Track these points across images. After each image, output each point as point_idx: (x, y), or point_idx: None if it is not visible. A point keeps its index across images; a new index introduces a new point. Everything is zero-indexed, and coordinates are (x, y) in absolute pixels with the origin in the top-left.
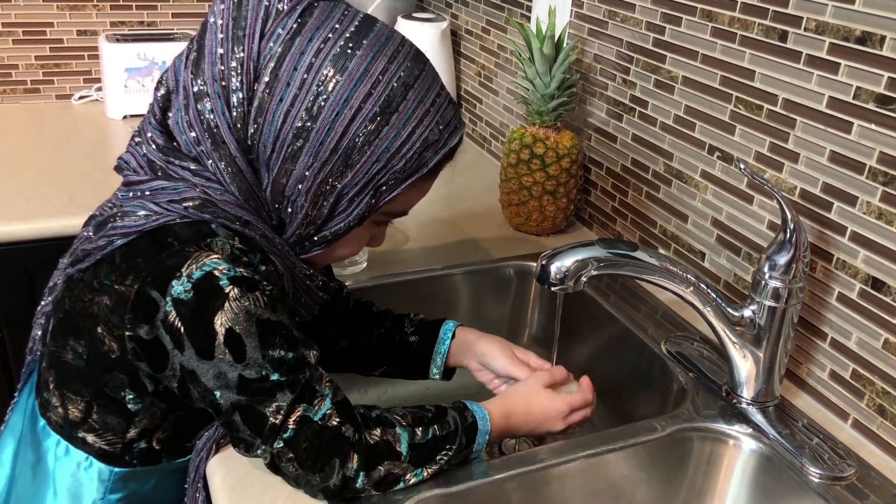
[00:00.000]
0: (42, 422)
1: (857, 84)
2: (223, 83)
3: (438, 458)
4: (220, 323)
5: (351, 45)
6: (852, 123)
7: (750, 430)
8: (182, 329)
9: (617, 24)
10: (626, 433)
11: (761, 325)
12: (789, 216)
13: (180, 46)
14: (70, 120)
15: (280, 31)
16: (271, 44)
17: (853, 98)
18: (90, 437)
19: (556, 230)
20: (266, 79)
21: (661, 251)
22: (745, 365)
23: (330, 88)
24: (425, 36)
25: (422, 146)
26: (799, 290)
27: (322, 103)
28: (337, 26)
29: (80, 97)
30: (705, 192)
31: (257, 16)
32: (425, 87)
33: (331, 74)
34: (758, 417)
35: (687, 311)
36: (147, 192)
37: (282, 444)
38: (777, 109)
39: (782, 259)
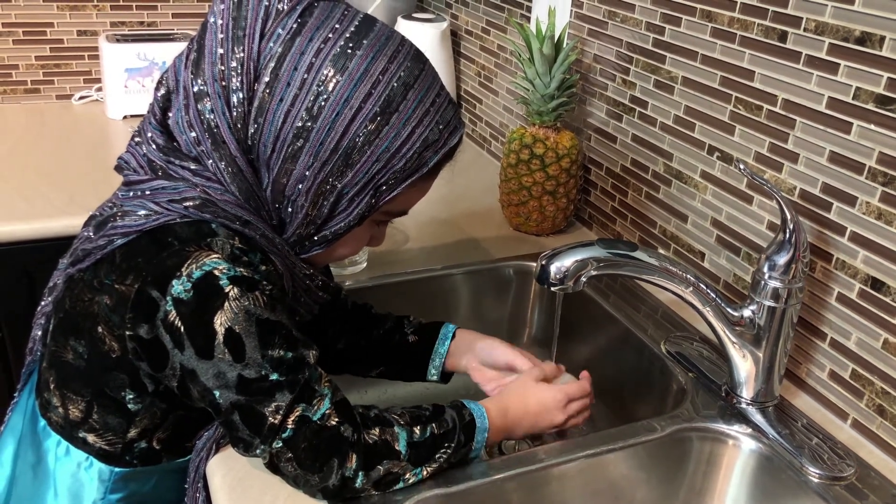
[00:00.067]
0: (42, 422)
1: (856, 84)
2: (223, 83)
3: (437, 456)
4: (220, 322)
5: (351, 45)
6: (852, 124)
7: (749, 430)
8: (182, 328)
9: (617, 24)
10: (625, 433)
11: (761, 325)
12: (789, 216)
13: (180, 47)
14: (70, 120)
15: (280, 31)
16: (271, 44)
17: (853, 98)
18: (91, 437)
19: (555, 230)
20: (266, 79)
21: (661, 251)
22: (744, 365)
23: (330, 88)
24: (425, 36)
25: (422, 146)
26: (798, 290)
27: (322, 103)
28: (337, 26)
29: (81, 97)
30: (705, 192)
31: (257, 16)
32: (425, 86)
33: (331, 74)
34: (757, 417)
35: (687, 311)
36: (147, 192)
37: (281, 444)
38: (776, 110)
39: (782, 259)
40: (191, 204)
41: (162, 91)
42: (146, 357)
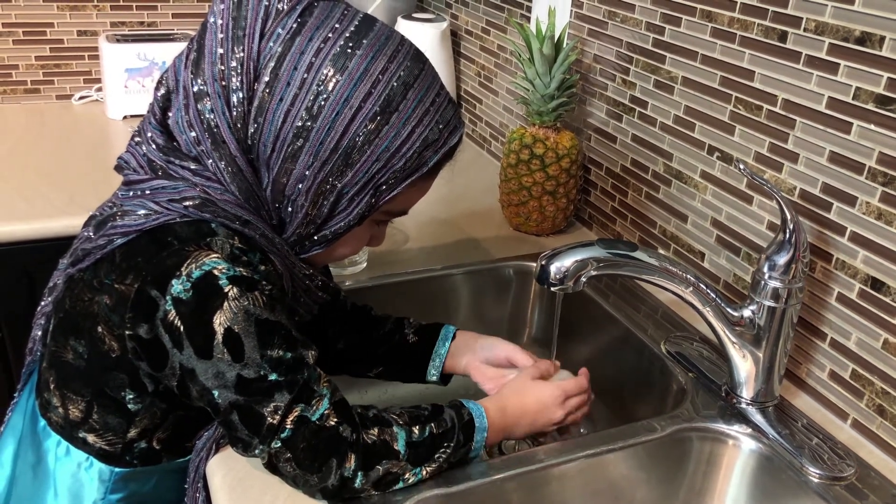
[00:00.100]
0: (42, 422)
1: (856, 84)
2: (223, 83)
3: (437, 456)
4: (219, 322)
5: (351, 44)
6: (852, 124)
7: (749, 430)
8: (181, 328)
9: (617, 24)
10: (625, 433)
11: (761, 325)
12: (789, 216)
13: (180, 47)
14: (70, 120)
15: (280, 30)
16: (271, 43)
17: (853, 98)
18: (91, 438)
19: (555, 230)
20: (266, 78)
21: (661, 251)
22: (744, 365)
23: (330, 88)
24: (425, 36)
25: (422, 145)
26: (798, 290)
27: (322, 103)
28: (337, 26)
29: (81, 97)
30: (705, 192)
31: (257, 16)
32: (425, 86)
33: (331, 74)
34: (757, 417)
35: (687, 311)
36: (147, 192)
37: (279, 444)
38: (776, 110)
39: (782, 259)
40: (190, 203)
41: (162, 91)
42: (146, 357)
